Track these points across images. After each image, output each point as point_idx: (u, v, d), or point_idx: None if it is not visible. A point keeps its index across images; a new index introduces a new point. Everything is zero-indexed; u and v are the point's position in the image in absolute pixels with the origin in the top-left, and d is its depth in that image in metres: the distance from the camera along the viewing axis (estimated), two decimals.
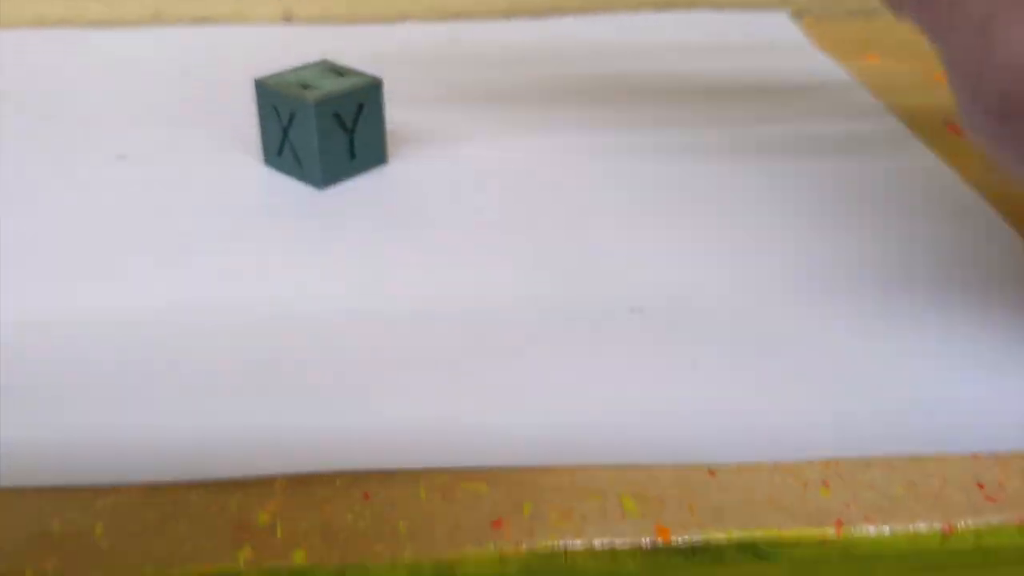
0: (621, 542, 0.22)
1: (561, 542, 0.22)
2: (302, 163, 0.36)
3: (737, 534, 0.22)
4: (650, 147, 0.39)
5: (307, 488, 0.23)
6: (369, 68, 0.37)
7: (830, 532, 0.22)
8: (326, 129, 0.35)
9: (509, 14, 0.54)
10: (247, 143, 0.39)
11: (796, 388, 0.26)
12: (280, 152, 0.36)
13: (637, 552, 0.22)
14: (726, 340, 0.28)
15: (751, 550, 0.22)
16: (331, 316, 0.29)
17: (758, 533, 0.22)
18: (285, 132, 0.36)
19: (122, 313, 0.28)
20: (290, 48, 0.48)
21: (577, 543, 0.22)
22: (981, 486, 0.23)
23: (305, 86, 0.35)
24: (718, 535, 0.22)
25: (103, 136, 0.39)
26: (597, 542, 0.22)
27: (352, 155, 0.36)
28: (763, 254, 0.32)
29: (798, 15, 0.57)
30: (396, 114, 0.40)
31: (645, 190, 0.36)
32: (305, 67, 0.36)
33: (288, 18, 0.53)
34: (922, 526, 0.22)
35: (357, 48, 0.48)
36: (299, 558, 0.21)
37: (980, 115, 0.20)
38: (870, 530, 0.22)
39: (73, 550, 0.21)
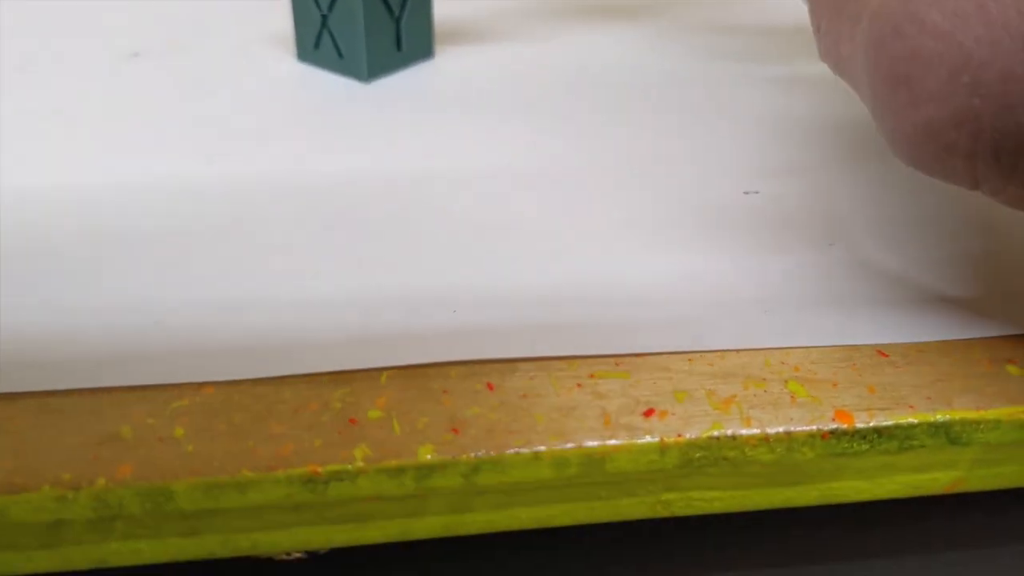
0: (797, 429, 0.19)
1: (728, 431, 0.18)
2: (344, 54, 0.32)
3: (928, 416, 0.19)
4: (705, 47, 0.36)
5: (419, 381, 0.19)
6: None
7: None
8: (373, 15, 0.31)
9: None
10: (276, 37, 0.35)
11: (954, 267, 0.23)
12: (317, 45, 0.32)
13: (816, 439, 0.19)
14: (865, 218, 0.24)
15: (944, 433, 0.19)
16: (403, 200, 0.25)
17: (952, 415, 0.19)
18: (324, 20, 0.32)
19: (180, 206, 0.25)
20: None
21: (746, 431, 0.18)
22: None
23: None
24: (906, 418, 0.19)
25: (115, 33, 0.35)
26: (771, 429, 0.19)
27: (398, 46, 0.32)
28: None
29: None
30: (441, 6, 0.36)
31: (708, 86, 0.32)
32: None
33: None
34: None
35: None
36: (426, 454, 0.18)
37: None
38: None
39: (149, 455, 0.18)
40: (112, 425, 0.18)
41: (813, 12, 0.22)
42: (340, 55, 0.32)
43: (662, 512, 0.19)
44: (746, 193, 0.26)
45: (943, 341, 0.21)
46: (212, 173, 0.26)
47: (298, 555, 0.19)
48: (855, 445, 0.19)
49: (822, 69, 0.23)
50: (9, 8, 0.36)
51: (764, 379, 0.20)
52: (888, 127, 0.18)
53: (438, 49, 0.34)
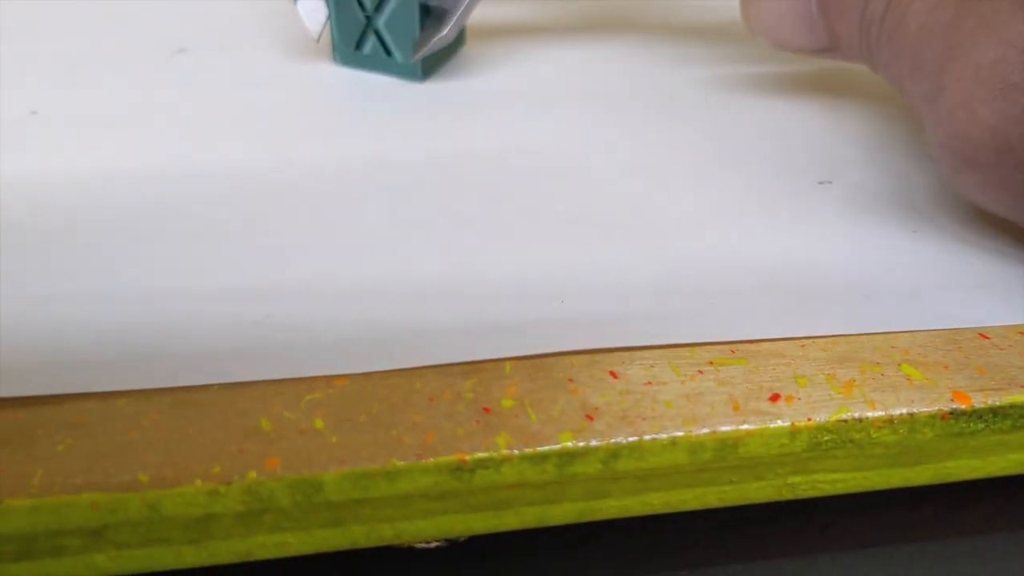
0: (919, 410, 0.19)
1: (855, 414, 0.19)
2: (394, 53, 0.31)
3: None
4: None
5: (542, 370, 0.20)
6: None
7: None
8: (421, 13, 0.31)
9: None
10: (302, 40, 0.34)
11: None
12: (359, 45, 0.32)
13: (936, 419, 0.19)
14: (942, 202, 0.25)
15: None
16: (491, 192, 0.25)
17: None
18: (369, 20, 0.31)
19: (271, 199, 0.25)
20: None
21: (871, 414, 0.19)
22: None
23: None
24: (1020, 397, 0.20)
25: (160, 29, 0.35)
26: (895, 411, 0.19)
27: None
28: None
29: None
30: None
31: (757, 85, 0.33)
32: None
33: None
34: None
35: None
36: (566, 439, 0.18)
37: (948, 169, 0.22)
38: None
39: (294, 447, 0.18)
40: (251, 419, 0.18)
41: None
42: (389, 54, 0.32)
43: (787, 495, 0.20)
44: (820, 183, 0.27)
45: None
46: (295, 167, 0.26)
47: (437, 543, 0.19)
48: (972, 425, 0.20)
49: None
50: (55, 5, 0.36)
51: (878, 363, 0.20)
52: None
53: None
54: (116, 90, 0.30)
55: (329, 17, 0.31)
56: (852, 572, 0.22)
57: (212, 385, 0.19)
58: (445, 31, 0.30)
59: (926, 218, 0.25)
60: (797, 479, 0.20)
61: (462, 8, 0.29)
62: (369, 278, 0.22)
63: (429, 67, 0.32)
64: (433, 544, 0.19)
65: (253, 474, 0.17)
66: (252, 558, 0.18)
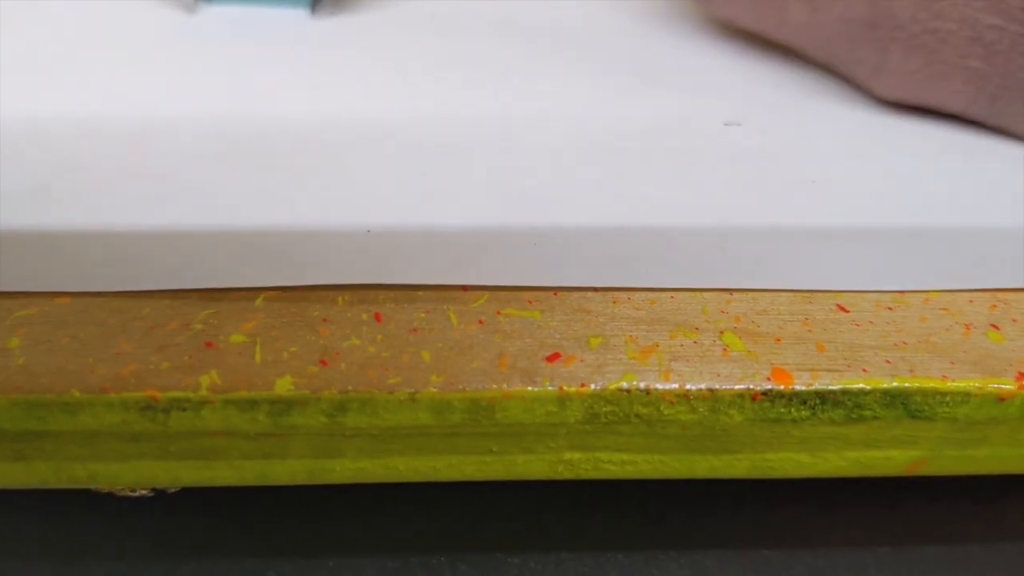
0: (723, 387, 0.16)
1: (640, 383, 0.16)
2: None
3: (883, 383, 0.16)
4: None
5: (297, 306, 0.17)
6: None
7: (1007, 387, 0.16)
8: None
9: None
10: None
11: (937, 206, 0.19)
12: None
13: (745, 399, 0.16)
14: (840, 152, 0.21)
15: (901, 403, 0.16)
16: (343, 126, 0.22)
17: (911, 383, 0.16)
18: None
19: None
20: None
21: (662, 385, 0.16)
22: None
23: None
24: (857, 383, 0.16)
25: None
26: (691, 385, 0.16)
27: None
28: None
29: None
30: None
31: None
32: None
33: None
34: None
35: None
36: (283, 387, 0.15)
37: None
38: None
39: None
40: None
41: None
42: None
43: (565, 473, 0.17)
44: (726, 124, 0.23)
45: (917, 295, 0.18)
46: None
47: (143, 491, 0.17)
48: (794, 411, 0.16)
49: None
50: None
51: (697, 328, 0.17)
52: None
53: None
54: None
55: None
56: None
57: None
58: None
59: (824, 169, 0.21)
60: (575, 455, 0.17)
61: None
62: (147, 197, 0.19)
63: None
64: (139, 492, 0.17)
65: None
66: None
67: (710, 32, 0.27)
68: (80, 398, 0.15)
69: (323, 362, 0.16)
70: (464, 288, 0.18)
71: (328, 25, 0.27)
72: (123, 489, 0.17)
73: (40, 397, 0.15)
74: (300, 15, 0.27)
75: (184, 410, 0.15)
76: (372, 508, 0.20)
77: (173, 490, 0.17)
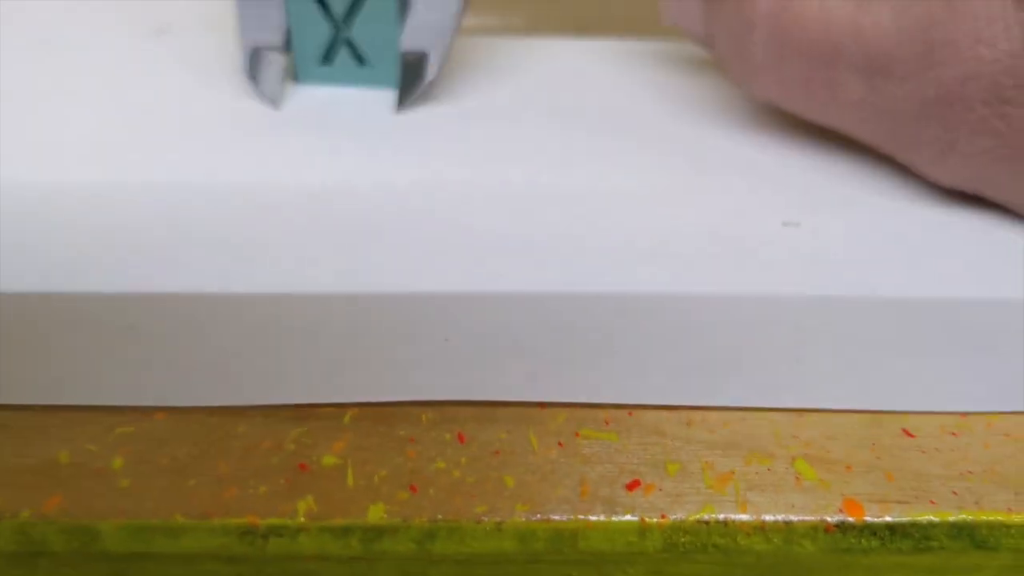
0: (798, 519, 0.16)
1: (719, 515, 0.16)
2: (369, 62, 0.28)
3: (950, 515, 0.17)
4: None
5: (384, 423, 0.18)
6: None
7: None
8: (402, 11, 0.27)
9: None
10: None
11: (995, 318, 0.20)
12: (327, 58, 0.28)
13: (818, 531, 0.16)
14: (902, 259, 0.22)
15: (967, 535, 0.17)
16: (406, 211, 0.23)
17: (977, 516, 0.17)
18: (338, 29, 0.28)
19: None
20: None
21: (739, 517, 0.16)
22: None
23: None
24: (926, 515, 0.17)
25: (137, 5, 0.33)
26: (767, 517, 0.16)
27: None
28: None
29: None
30: None
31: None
32: None
33: None
34: None
35: None
36: (375, 515, 0.16)
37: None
38: None
39: (82, 487, 0.16)
40: (51, 449, 0.17)
41: None
42: (362, 63, 0.29)
43: None
44: (785, 224, 0.24)
45: (979, 419, 0.18)
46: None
47: None
48: (864, 542, 0.17)
49: None
50: None
51: (771, 454, 0.18)
52: None
53: None
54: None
55: (285, 44, 0.28)
56: None
57: (31, 406, 0.18)
58: (430, 76, 0.27)
59: (885, 275, 0.22)
60: None
61: (443, 49, 0.27)
62: (230, 306, 0.20)
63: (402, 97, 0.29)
64: None
65: (26, 513, 0.16)
66: None
67: (767, 119, 0.27)
68: (184, 523, 0.16)
69: (412, 488, 0.17)
70: (542, 405, 0.18)
71: (408, 116, 0.27)
72: None
73: (146, 522, 0.16)
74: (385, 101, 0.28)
75: (281, 536, 0.16)
76: None
77: None
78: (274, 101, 0.27)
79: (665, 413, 0.18)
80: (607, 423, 0.18)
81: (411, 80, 0.27)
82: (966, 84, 0.20)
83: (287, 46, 0.27)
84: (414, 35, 0.27)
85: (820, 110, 0.24)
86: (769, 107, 0.27)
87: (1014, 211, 0.23)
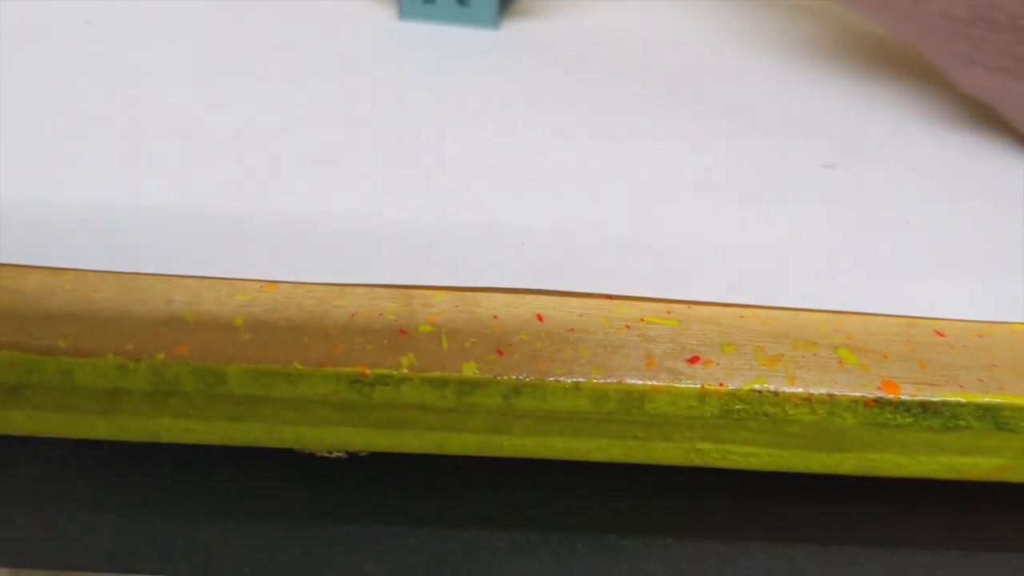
0: (840, 393, 0.19)
1: (771, 386, 0.19)
2: (467, 1, 0.31)
3: (977, 397, 0.19)
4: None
5: (470, 303, 0.20)
6: None
7: None
8: None
9: None
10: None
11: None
12: None
13: (859, 405, 0.19)
14: (931, 196, 0.24)
15: (992, 416, 0.19)
16: (491, 143, 0.25)
17: (1001, 399, 0.19)
18: None
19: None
20: None
21: (789, 389, 0.18)
22: None
23: None
24: (954, 396, 0.19)
25: None
26: (813, 390, 0.19)
27: None
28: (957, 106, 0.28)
29: None
30: None
31: (809, 45, 0.32)
32: None
33: None
34: None
35: None
36: (469, 370, 0.18)
37: None
38: None
39: (207, 338, 0.18)
40: (178, 308, 0.19)
41: None
42: (463, 2, 0.32)
43: (696, 460, 0.20)
44: (825, 167, 0.26)
45: (1004, 326, 0.20)
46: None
47: (339, 454, 0.20)
48: (899, 417, 0.19)
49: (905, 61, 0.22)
50: None
51: (815, 343, 0.20)
52: None
53: None
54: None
55: None
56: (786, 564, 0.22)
57: (156, 274, 0.20)
58: None
59: (920, 211, 0.24)
60: (707, 446, 0.19)
61: None
62: (340, 202, 0.22)
63: (504, 8, 0.32)
64: (334, 454, 0.20)
65: (161, 356, 0.18)
66: (160, 439, 0.19)
67: (811, 71, 0.30)
68: (301, 370, 0.18)
69: (499, 351, 0.19)
70: (609, 297, 0.21)
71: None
72: (322, 451, 0.20)
73: (267, 367, 0.18)
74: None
75: (387, 385, 0.18)
76: (506, 485, 0.22)
77: (364, 454, 0.20)
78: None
79: (721, 308, 0.21)
80: (668, 312, 0.20)
81: None
82: (989, 9, 0.23)
83: None
84: None
85: (875, 13, 0.27)
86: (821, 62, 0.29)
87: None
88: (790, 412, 0.19)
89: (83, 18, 0.30)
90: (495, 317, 0.20)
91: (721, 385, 0.19)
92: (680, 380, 0.19)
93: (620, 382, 0.18)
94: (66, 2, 0.31)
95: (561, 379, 0.18)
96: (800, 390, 0.19)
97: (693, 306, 0.20)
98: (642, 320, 0.20)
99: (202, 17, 0.31)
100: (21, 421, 0.19)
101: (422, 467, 0.21)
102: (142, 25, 0.30)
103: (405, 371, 0.18)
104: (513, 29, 0.32)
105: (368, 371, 0.18)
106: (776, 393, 0.19)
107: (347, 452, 0.20)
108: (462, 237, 0.21)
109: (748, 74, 0.30)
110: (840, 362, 0.19)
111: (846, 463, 0.20)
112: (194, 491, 0.21)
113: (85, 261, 0.20)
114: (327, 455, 0.20)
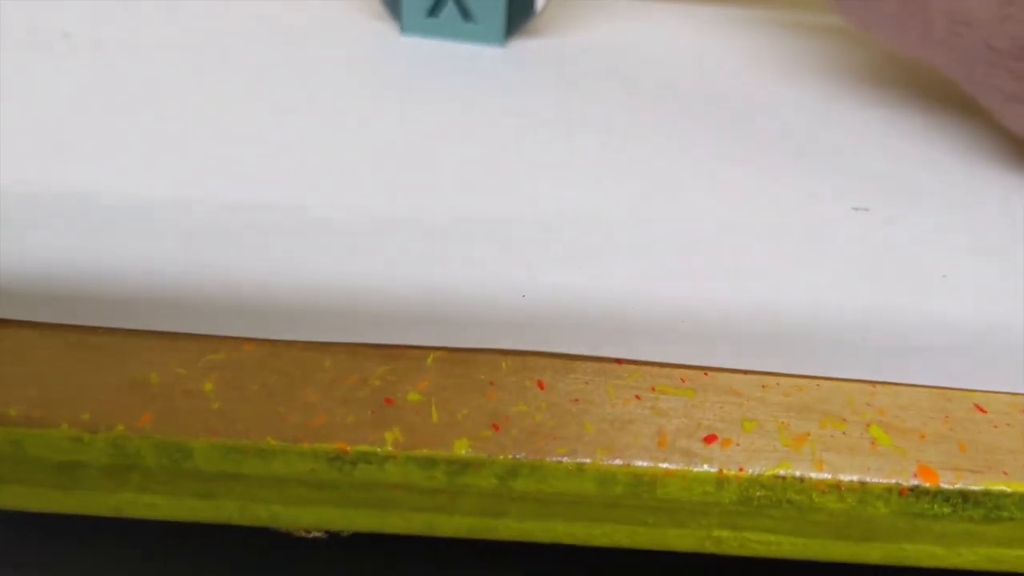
0: (873, 480, 0.17)
1: (796, 471, 0.17)
2: (473, 16, 0.30)
3: (1022, 486, 0.17)
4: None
5: (464, 367, 0.18)
6: None
7: None
8: None
9: None
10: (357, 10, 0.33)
11: None
12: (433, 11, 0.30)
13: (892, 493, 0.17)
14: (970, 246, 0.22)
15: None
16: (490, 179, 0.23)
17: None
18: None
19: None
20: None
21: (815, 475, 0.17)
22: None
23: None
24: (997, 485, 0.17)
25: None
26: (843, 476, 0.17)
27: (531, 5, 0.30)
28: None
29: None
30: None
31: (851, 73, 0.30)
32: None
33: None
34: None
35: None
36: (460, 448, 0.16)
37: None
38: None
39: (173, 406, 0.17)
40: (142, 370, 0.17)
41: None
42: (467, 18, 0.30)
43: (711, 548, 0.18)
44: (855, 209, 0.24)
45: None
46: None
47: (317, 534, 0.18)
48: (936, 507, 0.17)
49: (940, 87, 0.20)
50: None
51: (845, 419, 0.18)
52: None
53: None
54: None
55: None
56: None
57: (117, 330, 0.18)
58: (538, 9, 0.28)
59: (958, 263, 0.22)
60: (724, 533, 0.18)
61: None
62: (318, 252, 0.20)
63: (513, 28, 0.30)
64: (313, 534, 0.18)
65: (121, 427, 0.16)
66: (122, 514, 0.17)
67: (837, 97, 0.28)
68: (275, 446, 0.16)
69: (495, 426, 0.17)
70: (618, 361, 0.19)
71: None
72: (300, 531, 0.18)
73: (237, 443, 0.16)
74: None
75: (370, 463, 0.16)
76: (503, 567, 0.21)
77: (346, 534, 0.18)
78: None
79: (739, 376, 0.19)
80: (683, 380, 0.18)
81: (518, 15, 0.29)
82: None
83: None
84: None
85: (915, 45, 0.25)
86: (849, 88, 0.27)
87: None
88: (816, 500, 0.17)
89: (62, 31, 0.28)
90: (491, 383, 0.18)
91: (741, 470, 0.17)
92: (695, 463, 0.17)
93: (628, 464, 0.17)
94: (45, 15, 0.29)
95: (563, 459, 0.17)
96: (828, 476, 0.17)
97: (710, 373, 0.19)
98: (653, 389, 0.18)
99: (195, 29, 0.29)
100: None
101: (409, 546, 0.19)
102: (122, 39, 0.28)
103: (390, 448, 0.16)
104: (520, 47, 0.30)
105: (349, 448, 0.16)
106: (802, 479, 0.17)
107: (327, 532, 0.18)
108: (458, 290, 0.19)
109: (770, 102, 0.28)
110: (872, 443, 0.17)
111: (874, 553, 0.18)
112: (161, 569, 0.19)
113: (40, 314, 0.18)
114: (304, 534, 0.18)
